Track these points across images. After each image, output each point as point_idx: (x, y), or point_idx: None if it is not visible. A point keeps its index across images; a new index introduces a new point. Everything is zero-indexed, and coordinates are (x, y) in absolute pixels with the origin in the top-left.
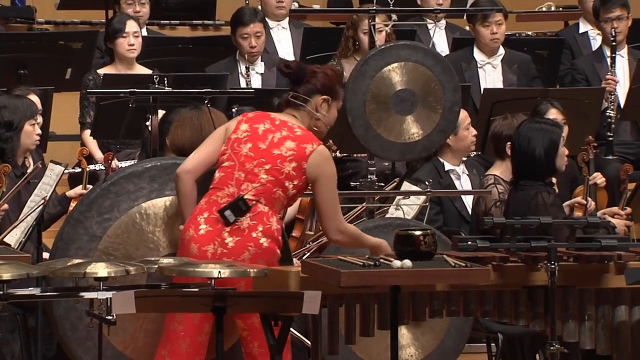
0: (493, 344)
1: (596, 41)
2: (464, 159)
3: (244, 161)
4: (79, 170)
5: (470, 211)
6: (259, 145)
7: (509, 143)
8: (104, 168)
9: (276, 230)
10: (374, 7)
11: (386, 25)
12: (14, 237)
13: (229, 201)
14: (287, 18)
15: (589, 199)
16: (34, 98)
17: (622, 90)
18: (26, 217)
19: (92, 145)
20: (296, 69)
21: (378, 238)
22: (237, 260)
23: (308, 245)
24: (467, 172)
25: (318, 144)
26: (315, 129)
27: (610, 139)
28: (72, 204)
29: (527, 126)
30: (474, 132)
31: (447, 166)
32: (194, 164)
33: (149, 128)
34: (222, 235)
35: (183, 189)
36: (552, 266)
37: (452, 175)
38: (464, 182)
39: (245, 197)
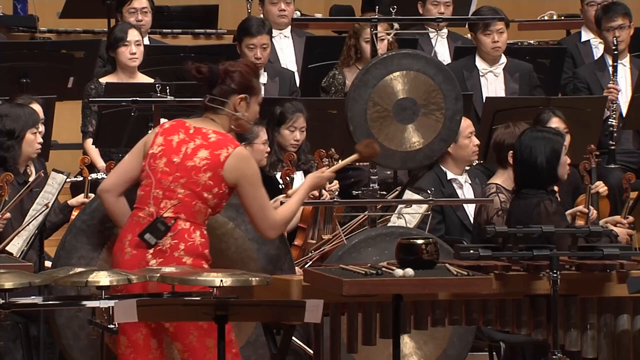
0: (495, 353)
1: (598, 50)
2: (467, 168)
3: (160, 178)
4: (81, 179)
5: (472, 220)
6: (173, 159)
7: (511, 152)
8: (106, 177)
9: (200, 245)
10: (376, 16)
11: (388, 34)
12: (16, 245)
13: (150, 222)
14: (289, 27)
15: (591, 207)
16: (36, 107)
17: (624, 99)
18: (28, 224)
19: (94, 154)
20: (208, 73)
21: (300, 190)
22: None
23: (310, 254)
24: (469, 182)
25: (234, 147)
26: (238, 128)
27: (612, 147)
28: (74, 213)
29: (529, 135)
30: (477, 141)
31: (450, 175)
32: (111, 182)
33: None
34: (146, 258)
35: (107, 208)
36: (555, 275)
37: (454, 185)
38: (466, 191)
39: (165, 215)
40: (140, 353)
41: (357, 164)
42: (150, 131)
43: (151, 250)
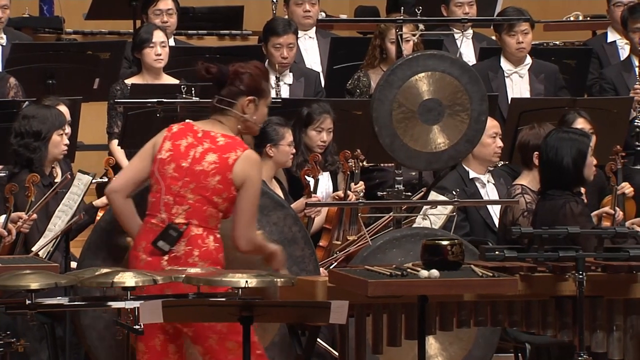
0: (521, 354)
1: (624, 51)
2: (491, 168)
3: (169, 183)
4: (106, 180)
5: (495, 220)
6: (181, 164)
7: (537, 153)
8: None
9: (214, 249)
10: (402, 17)
11: (413, 35)
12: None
13: (163, 229)
14: (314, 28)
15: (616, 208)
16: (63, 108)
17: None
18: (61, 231)
19: (120, 155)
20: (217, 73)
21: (274, 246)
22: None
23: (335, 255)
24: (492, 181)
25: (243, 150)
26: (245, 130)
27: (639, 148)
28: (99, 214)
29: (555, 136)
30: (500, 143)
31: (472, 174)
32: (120, 183)
33: None
34: (161, 265)
35: (115, 208)
36: (580, 276)
37: (477, 184)
38: (489, 191)
39: (176, 222)
40: (157, 359)
41: (382, 164)
42: (159, 133)
43: (166, 257)
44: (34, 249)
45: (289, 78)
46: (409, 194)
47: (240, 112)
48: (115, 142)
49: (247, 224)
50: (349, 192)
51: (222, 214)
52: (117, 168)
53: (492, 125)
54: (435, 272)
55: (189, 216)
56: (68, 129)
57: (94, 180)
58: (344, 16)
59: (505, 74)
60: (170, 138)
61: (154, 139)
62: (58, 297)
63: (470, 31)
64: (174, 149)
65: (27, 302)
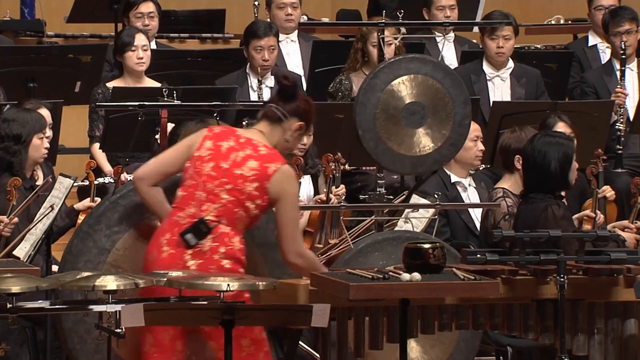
0: (502, 358)
1: (605, 54)
2: (472, 172)
3: (205, 181)
4: (87, 183)
5: (477, 223)
6: (221, 165)
7: (518, 156)
8: (113, 181)
9: (238, 250)
10: (383, 20)
11: (395, 38)
12: (23, 250)
13: (190, 222)
14: (296, 31)
15: (597, 212)
16: (44, 112)
17: (631, 104)
18: (34, 225)
19: (102, 158)
20: (293, 84)
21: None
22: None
23: (317, 258)
24: (473, 185)
25: (282, 163)
26: (281, 149)
27: (620, 152)
28: (81, 217)
29: (542, 140)
30: (482, 147)
31: (454, 178)
32: (147, 170)
33: (158, 141)
34: (184, 259)
35: (140, 195)
36: (562, 279)
37: (458, 188)
38: (470, 195)
39: (206, 218)
40: (163, 354)
41: (363, 168)
42: (197, 132)
43: (190, 251)
44: (20, 255)
45: (270, 81)
46: (391, 197)
47: (287, 129)
48: (96, 145)
49: (291, 237)
50: (331, 195)
51: (250, 220)
52: (98, 171)
53: (473, 128)
54: (417, 276)
55: (219, 214)
56: (49, 133)
57: (75, 184)
58: (325, 19)
59: (487, 78)
60: (211, 138)
61: (192, 136)
62: (39, 301)
63: (452, 34)
64: (214, 149)
65: (8, 305)
